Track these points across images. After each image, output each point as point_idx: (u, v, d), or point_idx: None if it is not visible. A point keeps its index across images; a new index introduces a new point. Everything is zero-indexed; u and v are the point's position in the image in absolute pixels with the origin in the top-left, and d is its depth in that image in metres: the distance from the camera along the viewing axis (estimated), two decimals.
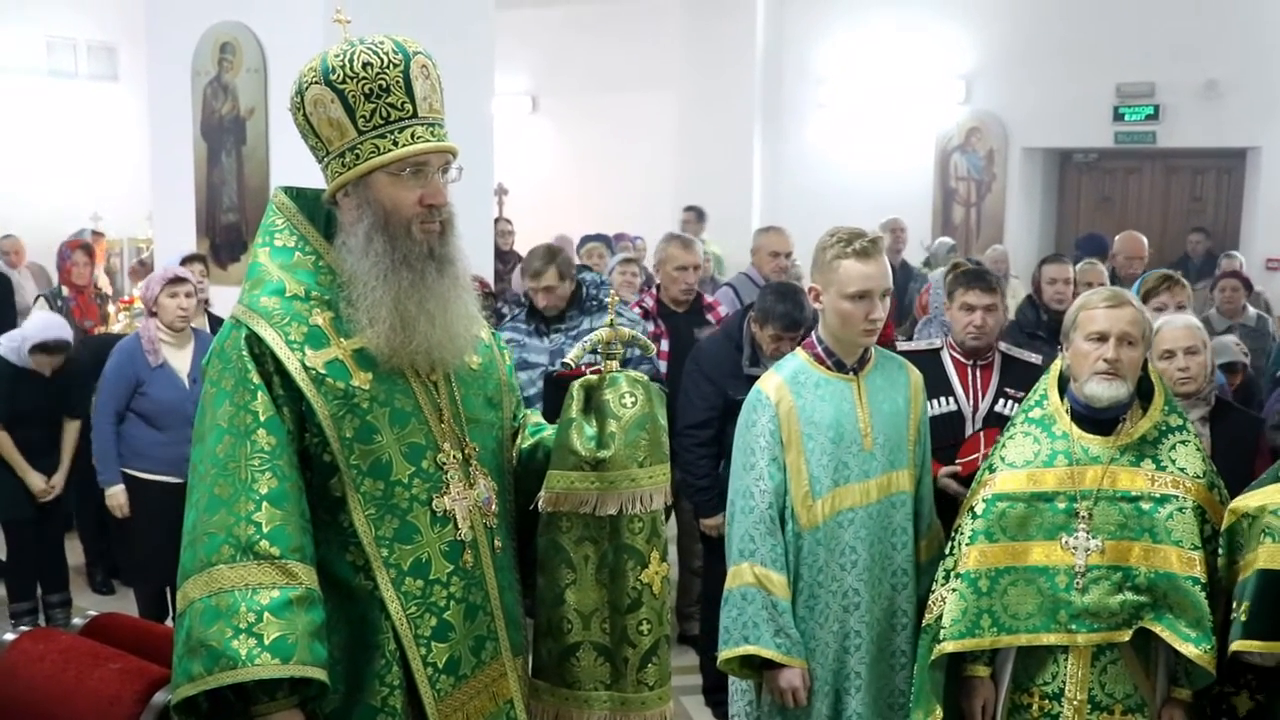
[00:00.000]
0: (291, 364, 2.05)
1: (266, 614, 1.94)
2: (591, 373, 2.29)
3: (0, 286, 7.11)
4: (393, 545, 2.10)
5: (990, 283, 3.98)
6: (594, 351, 2.30)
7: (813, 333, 3.24)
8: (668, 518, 3.00)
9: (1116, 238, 7.59)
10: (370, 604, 2.09)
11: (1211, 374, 3.65)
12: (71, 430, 5.42)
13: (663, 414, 2.26)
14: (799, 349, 3.27)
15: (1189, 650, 2.85)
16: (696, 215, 10.39)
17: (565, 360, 2.34)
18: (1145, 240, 7.33)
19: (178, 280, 5.00)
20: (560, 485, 2.19)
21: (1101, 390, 3.00)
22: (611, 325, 2.30)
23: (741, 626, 3.06)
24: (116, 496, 4.97)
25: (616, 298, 2.43)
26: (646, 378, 2.28)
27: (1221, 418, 3.59)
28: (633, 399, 2.21)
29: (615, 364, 2.28)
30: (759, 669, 3.13)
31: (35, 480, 5.25)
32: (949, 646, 3.03)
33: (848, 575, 3.14)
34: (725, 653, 3.11)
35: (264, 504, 1.99)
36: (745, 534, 3.10)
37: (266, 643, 1.92)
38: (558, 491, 2.20)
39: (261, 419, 2.03)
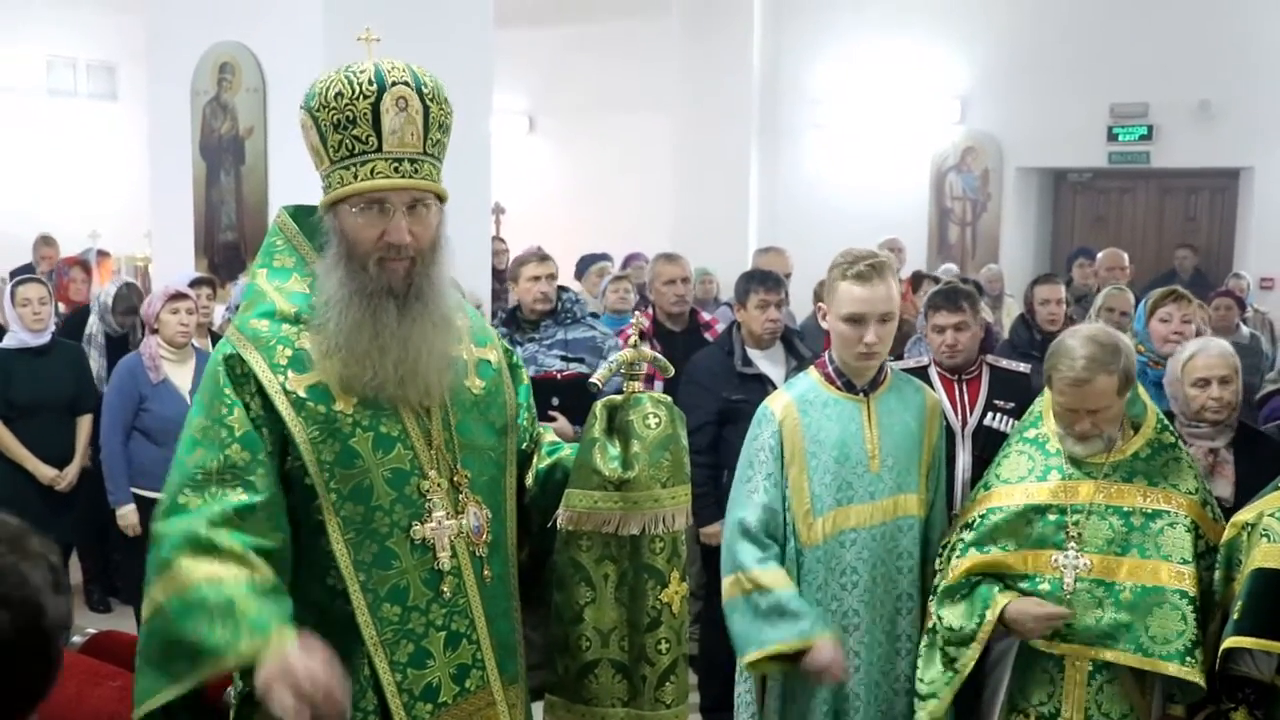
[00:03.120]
0: (273, 388, 2.04)
1: (237, 601, 1.91)
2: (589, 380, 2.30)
3: None
4: (371, 570, 2.08)
5: (957, 302, 3.95)
6: (618, 373, 2.31)
7: (826, 353, 3.24)
8: None
9: (1099, 254, 7.96)
10: (348, 629, 2.07)
11: (1239, 401, 3.58)
12: (84, 425, 5.37)
13: (684, 434, 2.26)
14: (811, 368, 3.27)
15: (1170, 669, 2.85)
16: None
17: (592, 380, 2.34)
18: (1126, 255, 7.67)
19: (179, 296, 5.01)
20: (582, 504, 2.19)
21: (1079, 450, 3.04)
22: (635, 346, 2.30)
23: (745, 633, 3.02)
24: (128, 516, 4.95)
25: (641, 320, 2.44)
26: (669, 398, 2.28)
27: (1246, 444, 3.51)
28: (656, 419, 2.21)
29: (638, 384, 2.28)
30: (790, 660, 3.02)
31: (44, 471, 5.19)
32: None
33: (848, 595, 3.13)
34: (749, 657, 3.03)
35: (230, 512, 1.99)
36: (730, 546, 3.10)
37: (245, 624, 1.90)
38: (579, 511, 2.19)
39: (237, 434, 2.02)
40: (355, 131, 2.04)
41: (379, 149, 2.04)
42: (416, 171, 2.07)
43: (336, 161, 2.06)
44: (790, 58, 11.72)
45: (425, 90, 2.07)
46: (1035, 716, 3.06)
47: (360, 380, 2.06)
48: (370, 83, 2.03)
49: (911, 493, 3.20)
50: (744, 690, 3.28)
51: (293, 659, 1.83)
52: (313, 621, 2.04)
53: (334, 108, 2.04)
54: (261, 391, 2.04)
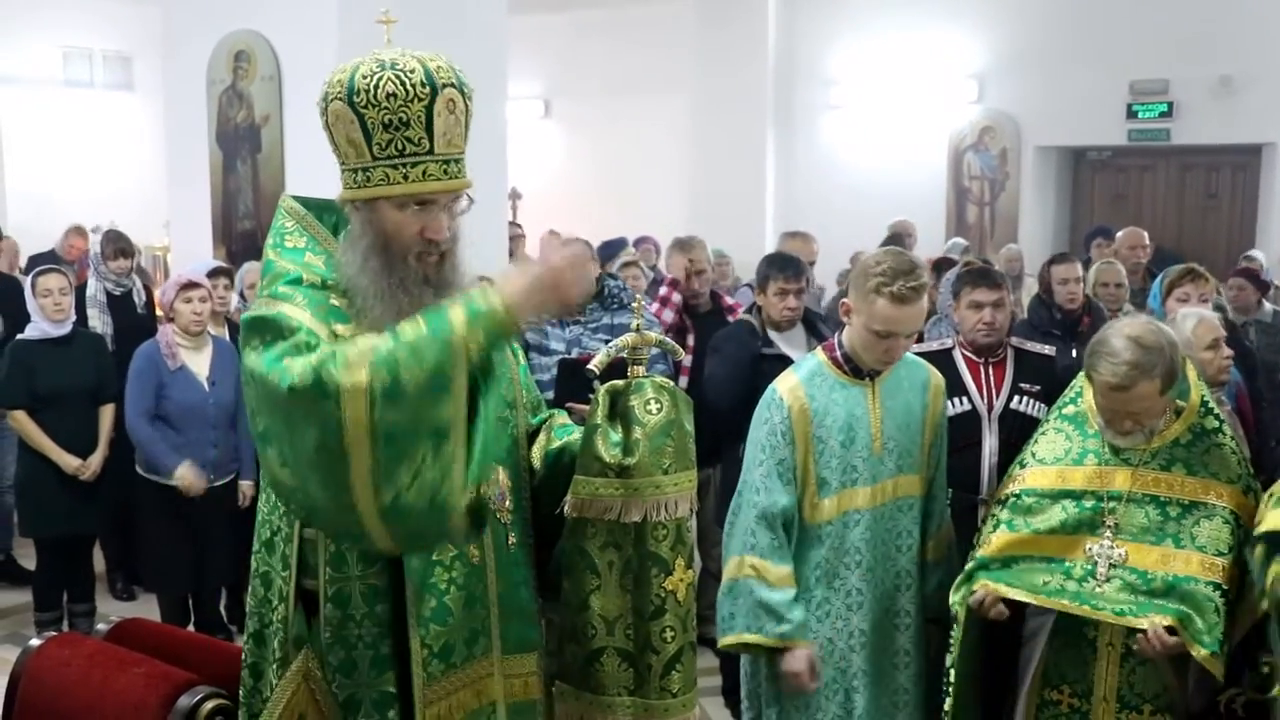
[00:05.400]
0: (323, 332, 2.04)
1: (402, 331, 1.97)
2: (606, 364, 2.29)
3: (10, 289, 7.09)
4: None
5: (995, 279, 3.98)
6: (620, 355, 2.31)
7: (836, 336, 3.26)
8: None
9: (1119, 233, 7.86)
10: (386, 591, 2.12)
11: None
12: (107, 414, 5.38)
13: (689, 420, 2.26)
14: (819, 350, 3.29)
15: (1198, 652, 2.82)
16: None
17: (590, 366, 2.34)
18: (1146, 234, 7.56)
19: (191, 285, 5.05)
20: (585, 491, 2.20)
21: (1122, 442, 3.02)
22: (638, 330, 2.30)
23: (745, 615, 3.11)
24: (186, 476, 4.94)
25: (641, 302, 2.44)
26: (673, 384, 2.28)
27: None
28: (658, 405, 2.21)
29: (641, 369, 2.28)
30: (765, 650, 3.17)
31: (68, 460, 5.21)
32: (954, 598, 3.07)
33: (852, 575, 3.17)
34: (727, 639, 3.17)
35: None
36: (747, 528, 3.13)
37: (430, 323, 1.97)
38: (583, 498, 2.21)
39: (305, 327, 2.01)
40: (408, 134, 2.05)
41: (430, 151, 2.07)
42: (460, 172, 2.13)
43: (380, 158, 2.07)
44: (805, 39, 11.67)
45: (466, 91, 2.11)
46: (1069, 693, 3.05)
47: None
48: (423, 84, 2.04)
49: (912, 473, 3.24)
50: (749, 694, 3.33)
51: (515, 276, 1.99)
52: (349, 589, 2.10)
53: (386, 107, 2.03)
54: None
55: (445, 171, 2.09)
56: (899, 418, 3.20)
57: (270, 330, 2.01)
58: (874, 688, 3.22)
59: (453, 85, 2.08)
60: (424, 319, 1.94)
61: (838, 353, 3.20)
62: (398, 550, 2.03)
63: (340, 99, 2.07)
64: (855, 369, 3.17)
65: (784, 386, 3.18)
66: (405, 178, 2.07)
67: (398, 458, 1.89)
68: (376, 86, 2.03)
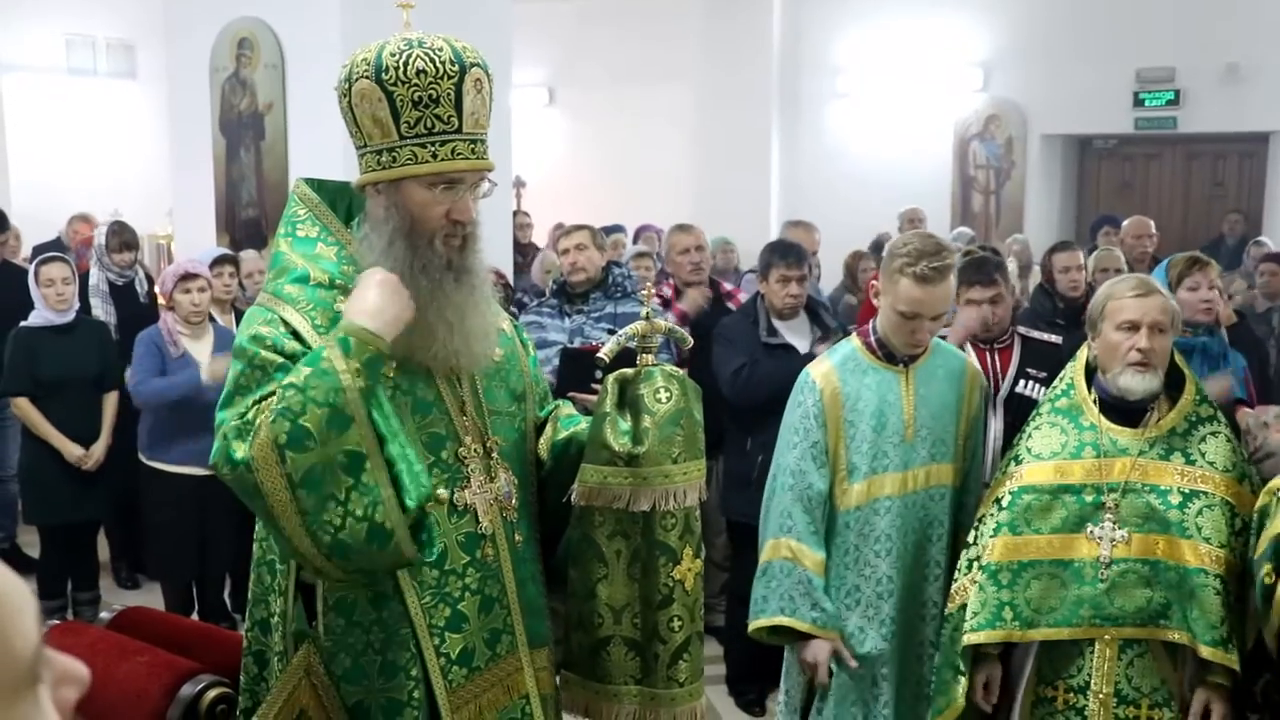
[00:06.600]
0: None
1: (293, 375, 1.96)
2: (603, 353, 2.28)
3: (13, 279, 7.06)
4: (410, 534, 2.08)
5: (989, 274, 3.92)
6: (629, 343, 2.29)
7: (871, 321, 3.25)
8: None
9: (1125, 222, 7.84)
10: (392, 596, 2.09)
11: None
12: (110, 402, 5.39)
13: (698, 409, 2.24)
14: (853, 335, 3.29)
15: (1206, 652, 2.81)
16: None
17: (600, 355, 2.33)
18: (1152, 223, 7.52)
19: (189, 276, 5.06)
20: (593, 480, 2.19)
21: (1136, 383, 2.96)
22: (648, 318, 2.29)
23: (779, 598, 3.11)
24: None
25: (652, 290, 2.42)
26: (682, 373, 2.27)
27: None
28: (668, 394, 2.20)
29: (650, 357, 2.27)
30: (785, 635, 3.18)
31: (71, 449, 5.21)
32: (972, 638, 3.03)
33: (882, 563, 3.17)
34: (759, 621, 3.16)
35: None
36: (784, 510, 3.14)
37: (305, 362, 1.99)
38: (591, 486, 2.19)
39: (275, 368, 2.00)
40: (438, 110, 2.03)
41: (459, 129, 2.06)
42: (485, 153, 2.13)
43: (408, 137, 2.05)
44: (811, 27, 11.63)
45: (490, 73, 2.11)
46: (1064, 689, 3.03)
47: (425, 351, 2.09)
48: (452, 62, 2.04)
49: (946, 462, 3.23)
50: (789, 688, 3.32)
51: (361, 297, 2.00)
52: (364, 594, 2.07)
53: (416, 84, 2.01)
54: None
55: (473, 151, 2.09)
56: (933, 405, 3.19)
57: (243, 365, 2.03)
58: (897, 678, 3.21)
59: (478, 65, 2.08)
60: (302, 364, 1.94)
61: (871, 337, 3.21)
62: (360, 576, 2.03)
63: (367, 77, 2.05)
64: (888, 354, 3.18)
65: (817, 371, 3.20)
66: (434, 156, 2.06)
67: (322, 500, 1.89)
68: (406, 63, 2.02)
